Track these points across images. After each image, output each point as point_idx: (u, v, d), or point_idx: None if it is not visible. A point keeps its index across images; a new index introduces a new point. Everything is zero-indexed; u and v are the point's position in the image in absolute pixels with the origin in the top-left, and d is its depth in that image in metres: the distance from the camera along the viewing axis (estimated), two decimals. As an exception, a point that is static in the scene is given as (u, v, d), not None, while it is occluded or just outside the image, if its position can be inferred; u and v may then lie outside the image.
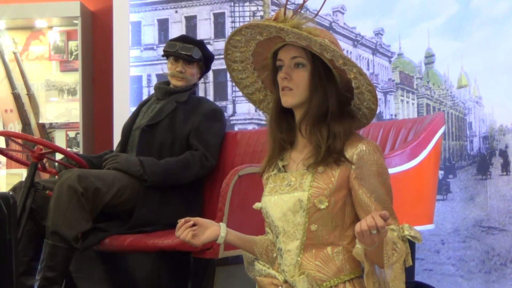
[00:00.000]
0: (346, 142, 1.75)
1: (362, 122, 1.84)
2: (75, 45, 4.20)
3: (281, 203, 1.78)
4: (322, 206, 1.72)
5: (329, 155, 1.74)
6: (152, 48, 4.27)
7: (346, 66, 1.71)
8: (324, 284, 1.73)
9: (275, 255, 1.86)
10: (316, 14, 1.82)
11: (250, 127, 4.08)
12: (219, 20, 4.20)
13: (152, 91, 3.44)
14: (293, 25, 1.72)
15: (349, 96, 1.79)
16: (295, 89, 1.78)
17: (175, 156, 3.05)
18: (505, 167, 3.75)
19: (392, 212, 1.73)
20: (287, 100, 1.79)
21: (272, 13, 4.05)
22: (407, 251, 1.68)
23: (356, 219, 1.75)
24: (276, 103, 1.85)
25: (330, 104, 1.76)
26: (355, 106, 1.81)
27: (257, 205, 1.89)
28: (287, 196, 1.78)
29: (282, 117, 1.85)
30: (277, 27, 1.71)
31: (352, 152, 1.74)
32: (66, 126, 4.28)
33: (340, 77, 1.78)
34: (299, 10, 1.76)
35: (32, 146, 3.00)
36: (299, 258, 1.76)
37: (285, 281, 1.77)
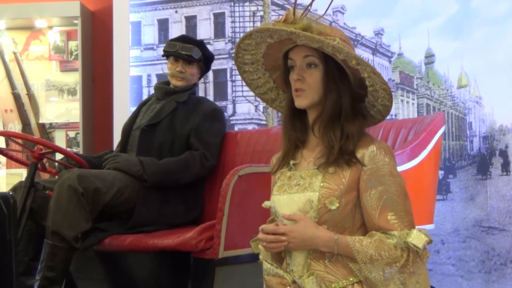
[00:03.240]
0: (358, 143, 1.75)
1: (376, 118, 1.83)
2: (75, 45, 4.20)
3: (291, 203, 1.77)
4: (333, 207, 1.72)
5: (340, 155, 1.73)
6: (152, 48, 4.27)
7: (359, 66, 1.71)
8: (333, 285, 1.72)
9: (282, 254, 1.86)
10: (325, 12, 1.81)
11: (250, 127, 4.08)
12: (219, 20, 4.20)
13: (152, 91, 3.44)
14: (304, 27, 1.72)
15: (363, 93, 1.79)
16: (307, 90, 1.77)
17: (175, 156, 3.05)
18: (505, 167, 3.75)
19: (404, 214, 1.72)
20: (301, 102, 1.78)
21: (273, 13, 4.07)
22: (403, 258, 1.68)
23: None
24: (289, 103, 1.84)
25: (344, 103, 1.75)
26: (369, 103, 1.80)
27: (266, 203, 1.89)
28: (297, 196, 1.77)
29: (296, 116, 1.84)
30: (288, 31, 1.71)
31: (363, 153, 1.73)
32: (66, 126, 4.28)
33: (353, 74, 1.77)
34: (308, 9, 1.76)
35: (32, 146, 3.00)
36: (308, 259, 1.75)
37: (294, 281, 1.77)
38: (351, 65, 1.72)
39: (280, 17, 1.77)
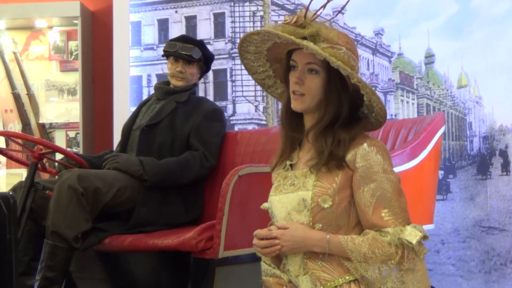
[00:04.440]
0: (351, 143, 1.75)
1: (367, 127, 1.84)
2: (75, 45, 4.20)
3: (286, 202, 1.78)
4: (326, 205, 1.72)
5: (330, 160, 1.74)
6: (152, 48, 4.27)
7: (360, 83, 1.72)
8: (329, 284, 1.72)
9: (280, 255, 1.86)
10: (336, 15, 1.82)
11: (250, 127, 4.08)
12: (219, 20, 4.20)
13: (152, 91, 3.44)
14: (312, 32, 1.73)
15: (359, 103, 1.79)
16: (306, 95, 1.78)
17: (175, 156, 3.05)
18: (505, 167, 3.75)
19: (398, 211, 1.72)
20: (297, 106, 1.79)
21: (273, 13, 4.07)
22: (398, 255, 1.68)
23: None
24: (287, 101, 1.85)
25: (343, 113, 1.76)
26: (363, 113, 1.81)
27: (264, 205, 1.89)
28: (291, 196, 1.78)
29: (294, 115, 1.85)
30: (296, 41, 1.72)
31: (355, 151, 1.74)
32: (66, 126, 4.28)
33: (352, 85, 1.77)
34: (321, 10, 1.76)
35: (32, 146, 3.00)
36: (304, 259, 1.76)
37: (290, 281, 1.78)
38: (352, 82, 1.73)
39: (284, 17, 1.78)
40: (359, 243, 1.68)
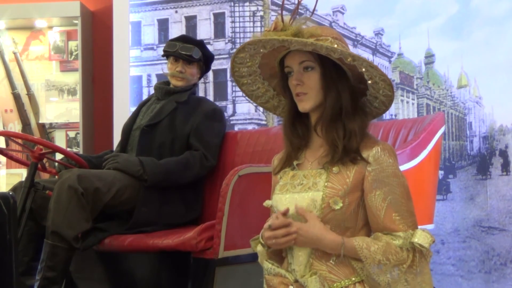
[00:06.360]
0: (362, 144, 1.75)
1: (381, 109, 1.83)
2: (75, 45, 4.21)
3: (294, 202, 1.77)
4: (337, 207, 1.72)
5: (345, 154, 1.74)
6: (152, 48, 4.27)
7: (355, 62, 1.71)
8: (335, 284, 1.72)
9: (284, 254, 1.85)
10: (312, 12, 1.82)
11: (250, 127, 4.08)
12: (219, 20, 4.20)
13: (152, 91, 3.45)
14: (294, 32, 1.72)
15: (363, 87, 1.79)
16: (309, 93, 1.77)
17: (175, 156, 3.05)
18: (505, 167, 3.75)
19: (407, 215, 1.73)
20: (305, 105, 1.79)
21: (272, 13, 4.07)
22: (409, 259, 1.69)
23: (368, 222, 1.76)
24: (290, 108, 1.85)
25: (344, 101, 1.75)
26: (371, 95, 1.80)
27: (267, 202, 1.88)
28: (300, 196, 1.77)
29: (297, 122, 1.85)
30: (279, 39, 1.71)
31: (368, 153, 1.74)
32: (66, 126, 4.29)
33: (351, 70, 1.78)
34: (295, 12, 1.77)
35: (32, 146, 3.00)
36: (310, 259, 1.75)
37: (296, 281, 1.77)
38: (347, 62, 1.73)
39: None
40: (375, 250, 1.68)
